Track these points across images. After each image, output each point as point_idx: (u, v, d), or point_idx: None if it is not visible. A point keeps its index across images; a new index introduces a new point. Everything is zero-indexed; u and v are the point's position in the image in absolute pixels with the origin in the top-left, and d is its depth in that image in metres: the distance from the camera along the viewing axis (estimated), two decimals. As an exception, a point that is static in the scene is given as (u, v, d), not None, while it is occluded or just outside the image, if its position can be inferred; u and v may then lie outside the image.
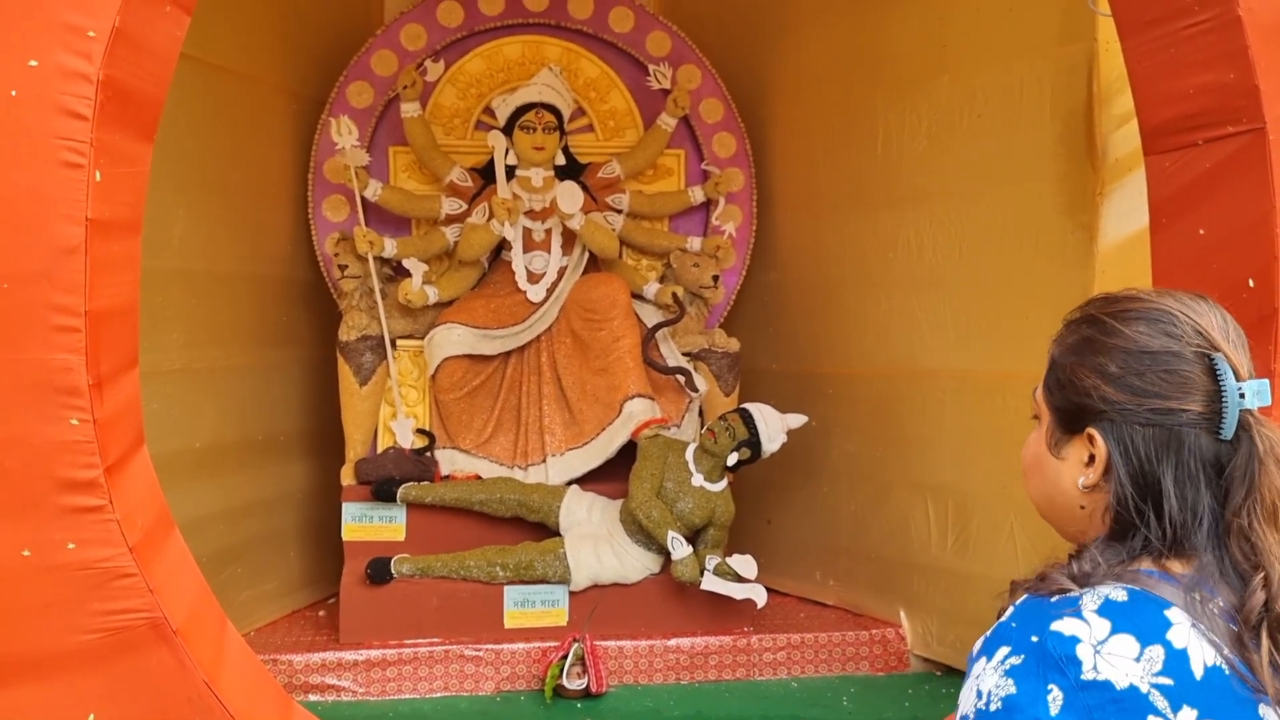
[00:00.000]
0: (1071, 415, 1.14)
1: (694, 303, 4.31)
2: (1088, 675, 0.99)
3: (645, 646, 3.79)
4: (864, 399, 4.14)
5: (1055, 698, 0.99)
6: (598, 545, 3.86)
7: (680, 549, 3.76)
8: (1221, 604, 1.04)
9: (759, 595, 3.81)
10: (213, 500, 3.80)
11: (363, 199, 4.13)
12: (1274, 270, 2.31)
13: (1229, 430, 1.06)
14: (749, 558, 3.89)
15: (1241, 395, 1.06)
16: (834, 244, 4.25)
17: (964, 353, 3.74)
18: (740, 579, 3.83)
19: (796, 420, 3.93)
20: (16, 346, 1.88)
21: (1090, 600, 1.03)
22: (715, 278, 4.27)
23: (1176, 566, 1.07)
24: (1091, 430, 1.11)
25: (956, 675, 3.76)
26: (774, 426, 3.88)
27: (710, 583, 3.79)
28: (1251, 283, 2.32)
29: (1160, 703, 0.98)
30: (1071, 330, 1.17)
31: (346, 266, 4.07)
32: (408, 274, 4.08)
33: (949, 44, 3.78)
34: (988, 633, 1.07)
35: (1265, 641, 1.01)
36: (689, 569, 3.77)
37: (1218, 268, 2.41)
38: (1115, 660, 0.99)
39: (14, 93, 1.82)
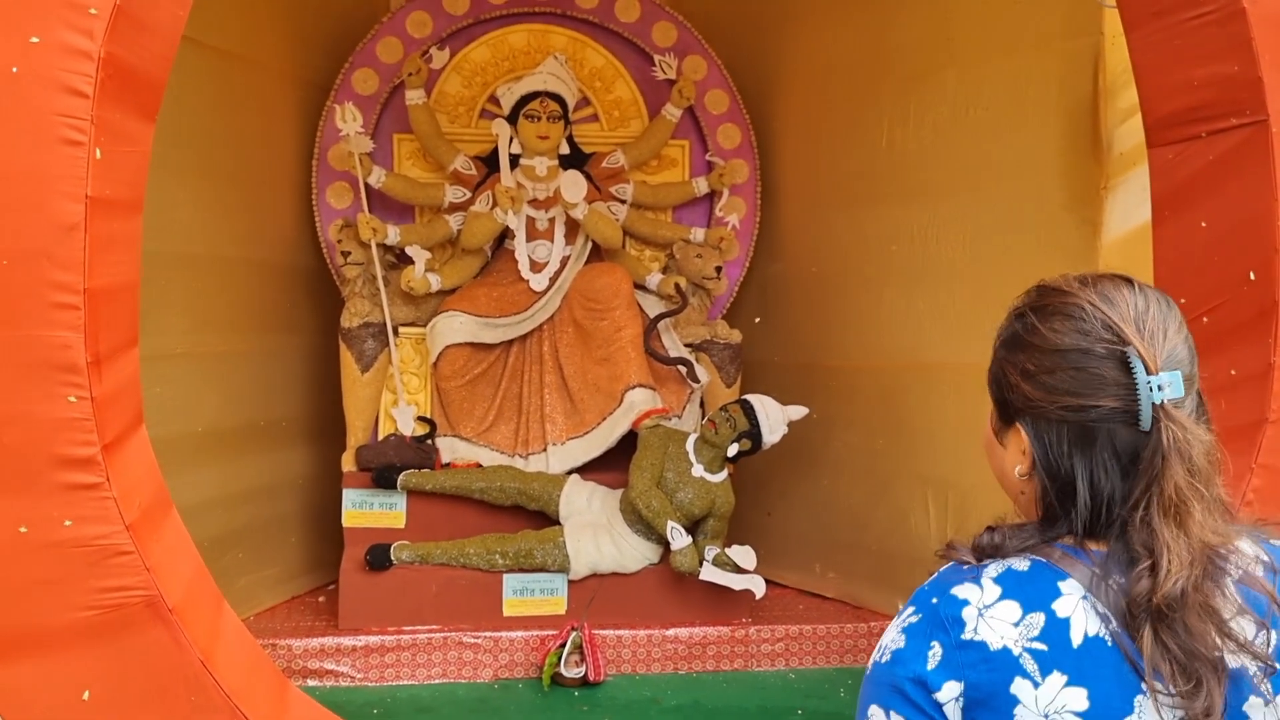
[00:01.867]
0: (1003, 408, 1.18)
1: (696, 294, 4.31)
2: (967, 635, 1.06)
3: (644, 636, 3.80)
4: (866, 391, 4.13)
5: (935, 654, 1.07)
6: (597, 534, 3.86)
7: (679, 539, 3.76)
8: (1121, 584, 1.07)
9: (757, 586, 3.81)
10: (214, 485, 3.81)
11: (366, 186, 4.13)
12: (1275, 264, 2.30)
13: (1145, 423, 1.07)
14: (748, 549, 3.89)
15: (1153, 389, 1.07)
16: (837, 237, 4.25)
17: (967, 346, 3.72)
18: (739, 570, 3.83)
19: (797, 412, 3.92)
20: (16, 323, 1.88)
21: (994, 569, 1.11)
22: (718, 269, 4.27)
23: (1094, 546, 1.11)
24: (1019, 424, 1.15)
25: (954, 669, 3.75)
26: (775, 418, 3.88)
27: (709, 573, 3.79)
28: (1252, 275, 2.32)
29: (1030, 665, 1.04)
30: (1008, 322, 1.19)
31: (350, 253, 4.07)
32: (411, 261, 4.08)
33: (954, 37, 3.77)
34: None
35: (1146, 629, 1.04)
36: (688, 559, 3.77)
37: (1219, 261, 2.40)
38: (995, 623, 1.06)
39: (15, 69, 1.82)
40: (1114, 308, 1.11)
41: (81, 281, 1.88)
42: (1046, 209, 3.46)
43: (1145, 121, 2.60)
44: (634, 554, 3.88)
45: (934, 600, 1.09)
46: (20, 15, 1.84)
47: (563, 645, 3.64)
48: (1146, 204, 2.72)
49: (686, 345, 4.27)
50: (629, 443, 4.00)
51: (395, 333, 4.08)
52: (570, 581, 3.86)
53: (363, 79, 4.28)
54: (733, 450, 3.85)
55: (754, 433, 3.85)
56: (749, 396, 3.94)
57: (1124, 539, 1.08)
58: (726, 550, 3.88)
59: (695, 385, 4.19)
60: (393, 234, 4.11)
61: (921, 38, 3.88)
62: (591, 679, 3.62)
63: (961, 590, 1.09)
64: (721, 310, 4.49)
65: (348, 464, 4.00)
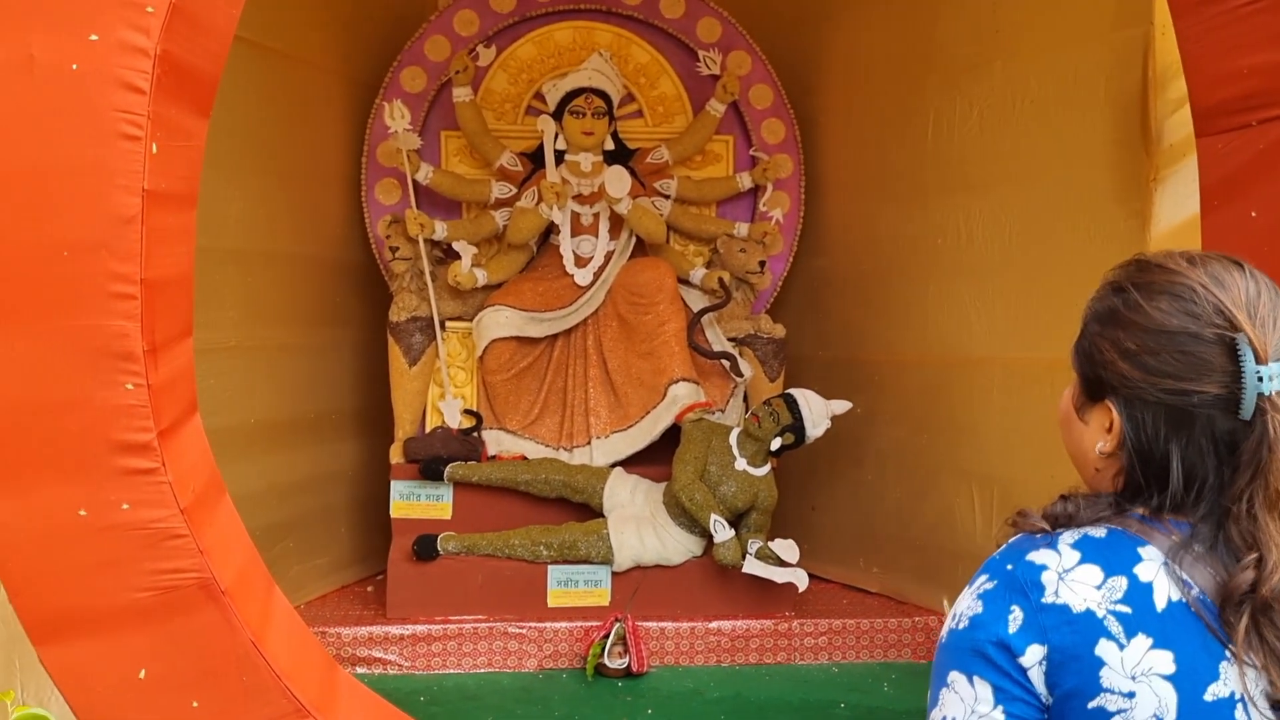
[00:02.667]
0: (1093, 384, 1.15)
1: (740, 288, 4.32)
2: (1048, 599, 1.05)
3: (687, 628, 3.81)
4: (910, 386, 4.12)
5: (1016, 617, 1.06)
6: (640, 527, 3.88)
7: (722, 532, 3.78)
8: (1205, 569, 1.06)
9: (800, 579, 3.82)
10: (266, 476, 3.88)
11: (414, 182, 4.19)
12: (1327, 254, 2.27)
13: (1247, 412, 1.05)
14: (791, 542, 3.89)
15: (1260, 379, 1.05)
16: (882, 231, 4.23)
17: (1012, 340, 3.70)
18: (782, 563, 3.84)
19: (841, 406, 3.92)
20: (76, 313, 1.94)
21: (1070, 535, 1.10)
22: (762, 263, 4.27)
23: (1171, 517, 1.10)
24: (1109, 402, 1.13)
25: (1000, 665, 3.73)
26: (818, 412, 3.88)
27: (752, 566, 3.80)
28: (1303, 266, 2.28)
29: (1115, 628, 1.03)
30: (1103, 295, 1.16)
31: (398, 249, 4.13)
32: (457, 256, 4.13)
33: (1002, 29, 3.74)
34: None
35: (1245, 620, 1.03)
36: (731, 552, 3.78)
37: (1269, 251, 2.36)
38: (1076, 586, 1.05)
39: (75, 66, 1.88)
40: (1225, 291, 1.08)
41: (138, 272, 1.94)
42: (1094, 201, 3.43)
43: (1194, 111, 2.57)
44: (677, 547, 3.90)
45: (1009, 566, 1.08)
46: (80, 14, 1.90)
47: (606, 636, 3.67)
48: (1196, 196, 2.69)
49: (730, 340, 4.28)
50: (672, 436, 4.02)
51: (442, 327, 4.14)
52: (614, 573, 3.89)
53: (411, 77, 4.34)
54: (776, 444, 3.86)
55: (797, 427, 3.86)
56: (792, 390, 3.94)
57: (1217, 523, 1.07)
58: (769, 544, 3.89)
59: (738, 379, 4.19)
60: (440, 229, 4.16)
61: (968, 30, 3.85)
62: (635, 670, 3.64)
63: (1038, 556, 1.08)
64: (765, 305, 4.49)
65: (395, 456, 4.07)
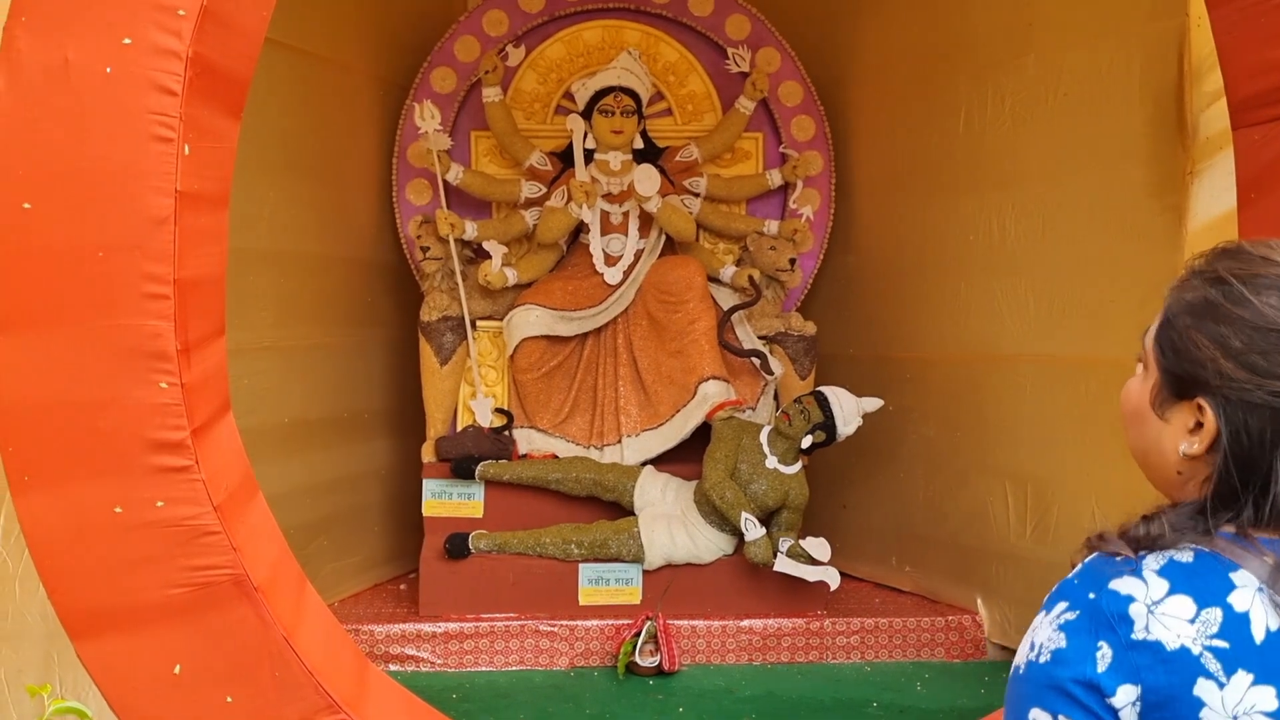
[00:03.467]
0: (1182, 381, 1.06)
1: (770, 286, 4.30)
2: (1138, 635, 0.98)
3: (718, 626, 3.81)
4: (942, 384, 4.09)
5: (1104, 655, 0.98)
6: (671, 525, 3.88)
7: (754, 530, 3.77)
8: None
9: (832, 578, 3.80)
10: (299, 475, 3.92)
11: (445, 182, 4.21)
12: (1367, 246, 2.22)
13: None
14: (822, 540, 3.88)
15: None
16: (913, 227, 4.21)
17: (1046, 337, 3.67)
18: (813, 561, 3.83)
19: (872, 404, 3.90)
20: (110, 312, 1.97)
21: (1154, 560, 1.02)
22: (792, 261, 4.26)
23: (1259, 533, 1.02)
24: (1202, 401, 1.04)
25: (1034, 665, 3.70)
26: (849, 410, 3.86)
27: (783, 564, 3.79)
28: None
29: (1213, 665, 0.97)
30: (1195, 285, 1.07)
31: (428, 249, 4.15)
32: (488, 256, 4.15)
33: (1034, 23, 3.70)
34: (1054, 588, 1.07)
35: None
36: (762, 550, 3.77)
37: (1308, 244, 2.33)
38: (1169, 621, 0.98)
39: (109, 69, 1.91)
40: None
41: (172, 272, 1.97)
42: (1129, 196, 3.39)
43: (1230, 102, 2.54)
44: (708, 545, 3.90)
45: (1090, 595, 1.01)
46: (113, 18, 1.93)
47: (638, 634, 3.67)
48: (1233, 189, 2.65)
49: (761, 337, 4.27)
50: (703, 435, 4.02)
51: (473, 326, 4.16)
52: (645, 572, 3.89)
53: (441, 78, 4.36)
54: (807, 442, 3.84)
55: (828, 424, 3.84)
56: (823, 388, 3.92)
57: None
58: (801, 542, 3.87)
59: (769, 377, 4.18)
60: (470, 229, 4.18)
61: (999, 24, 3.82)
62: (666, 668, 3.64)
63: (1122, 584, 1.00)
64: (796, 302, 4.48)
65: (427, 455, 4.09)
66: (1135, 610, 0.99)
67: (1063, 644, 1.00)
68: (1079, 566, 1.06)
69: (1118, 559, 1.03)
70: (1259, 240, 1.08)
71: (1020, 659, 1.04)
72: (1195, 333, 1.05)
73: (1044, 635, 1.02)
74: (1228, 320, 1.03)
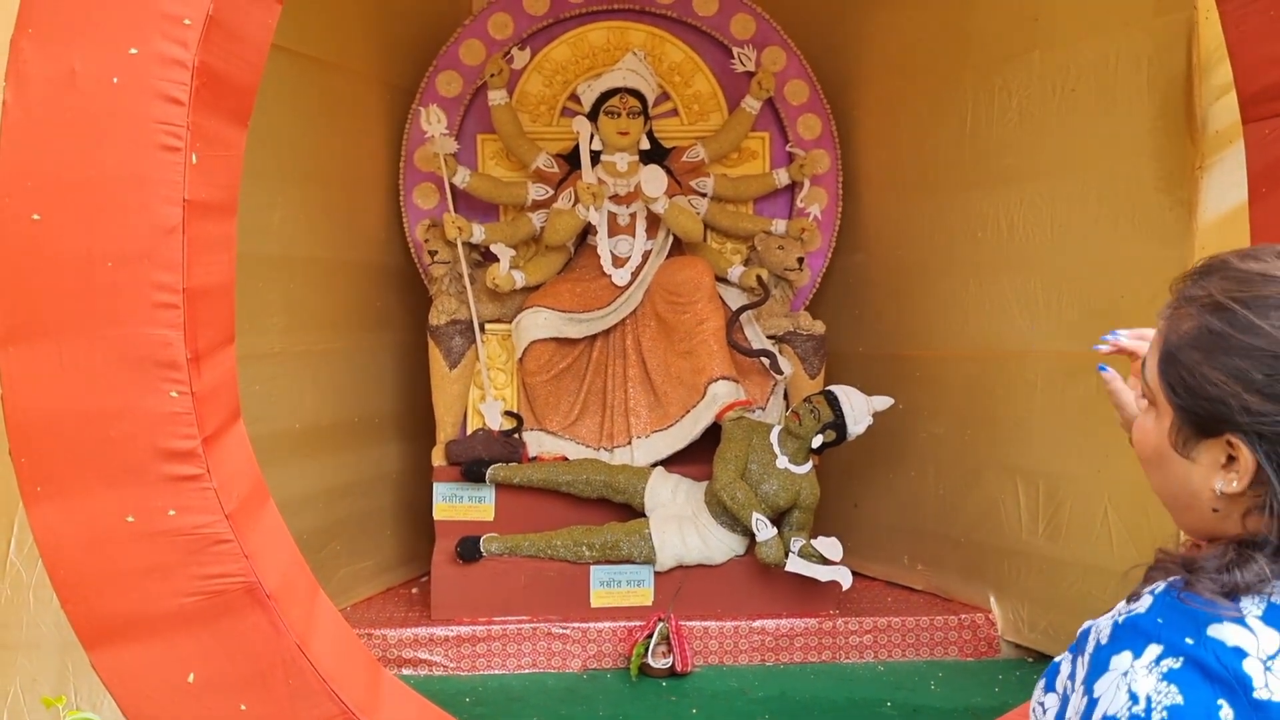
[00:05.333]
0: (1204, 420, 0.98)
1: (779, 285, 4.30)
2: (1260, 694, 0.90)
3: (730, 627, 3.80)
4: (952, 381, 4.07)
5: (1226, 715, 0.90)
6: (682, 526, 3.88)
7: (765, 530, 3.76)
8: None
9: (844, 577, 3.79)
10: (311, 480, 3.92)
11: (452, 186, 4.21)
12: (1380, 239, 2.21)
13: None
14: (834, 540, 3.87)
15: None
16: (921, 225, 4.19)
17: (1055, 334, 3.65)
18: (825, 561, 3.82)
19: (882, 402, 3.89)
20: (120, 322, 1.97)
21: (1254, 606, 0.93)
22: (800, 260, 4.25)
23: None
24: (1232, 438, 0.97)
25: (1049, 662, 3.68)
26: (859, 409, 3.85)
27: (795, 564, 3.78)
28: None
29: None
30: (1191, 314, 1.00)
31: (436, 252, 4.16)
32: (496, 259, 4.15)
33: (1040, 18, 3.69)
34: (1117, 617, 0.98)
35: None
36: (774, 550, 3.77)
37: (1320, 238, 2.32)
38: None
39: (116, 80, 1.92)
40: None
41: (181, 281, 1.97)
42: (1138, 191, 3.37)
43: (1239, 96, 2.52)
44: (719, 546, 3.89)
45: (1188, 641, 0.92)
46: (119, 28, 1.93)
47: (650, 636, 3.67)
48: (1244, 183, 2.64)
49: (769, 337, 4.26)
50: (713, 435, 4.01)
51: (482, 329, 4.16)
52: (656, 573, 3.89)
53: (446, 81, 4.36)
54: (817, 441, 3.84)
55: (838, 424, 3.83)
56: (833, 387, 3.91)
57: None
58: (812, 542, 3.87)
59: (778, 377, 4.18)
60: (478, 233, 4.18)
61: (1005, 19, 3.80)
62: (679, 670, 3.64)
63: (1229, 634, 0.92)
64: (804, 301, 4.47)
65: (438, 458, 4.09)
66: (1250, 667, 0.91)
67: (1179, 700, 0.90)
68: (1149, 598, 0.98)
69: (1205, 598, 0.94)
70: (1243, 252, 1.00)
71: (1117, 709, 0.93)
72: (1207, 369, 0.97)
73: (1147, 685, 0.92)
74: (1241, 352, 0.95)
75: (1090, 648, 1.01)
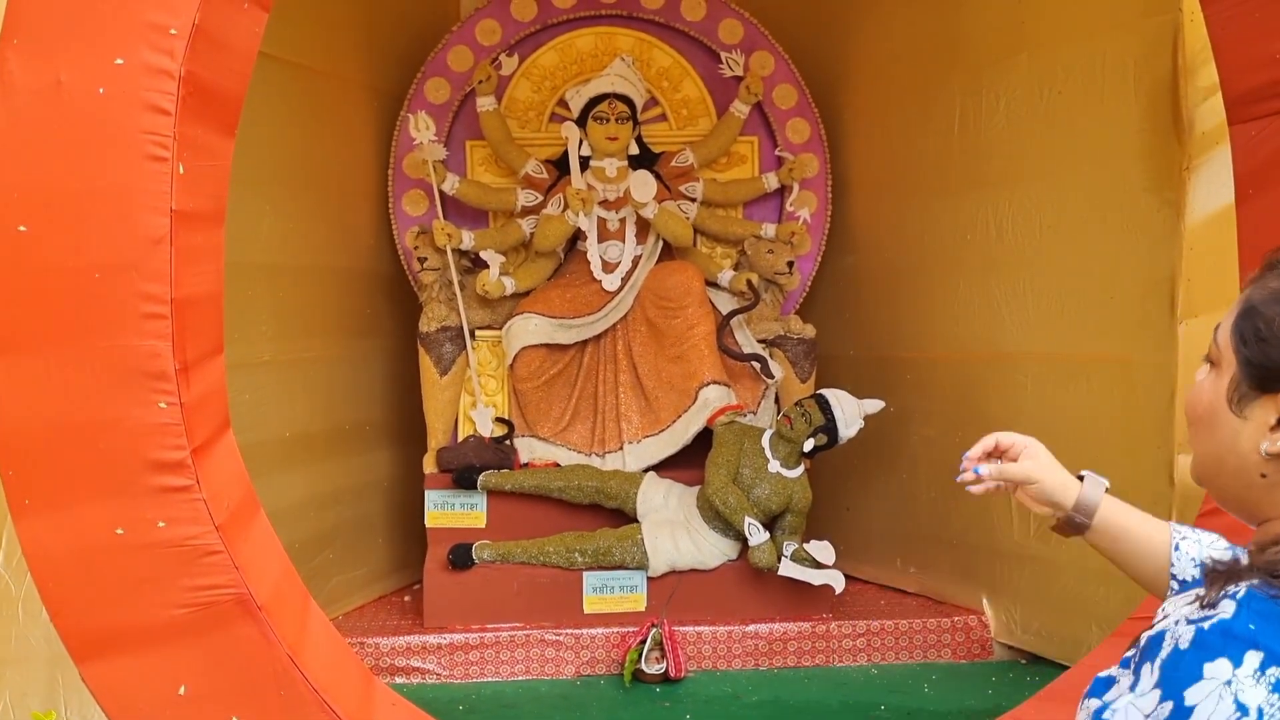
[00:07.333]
0: (1269, 373, 1.01)
1: (769, 289, 4.30)
2: None
3: (724, 632, 3.80)
4: (943, 383, 4.08)
5: None
6: (675, 531, 3.88)
7: (757, 535, 3.76)
8: None
9: (837, 581, 3.79)
10: (302, 489, 3.91)
11: (441, 193, 4.20)
12: (1366, 239, 2.22)
13: None
14: (827, 544, 3.87)
15: None
16: (911, 228, 4.20)
17: (1046, 335, 3.66)
18: (818, 565, 3.82)
19: (874, 405, 3.89)
20: (108, 333, 1.96)
21: None
22: (790, 264, 4.25)
23: None
24: None
25: (1042, 663, 3.70)
26: (851, 412, 3.85)
27: (788, 568, 3.78)
28: (1342, 253, 2.23)
29: None
30: (1278, 273, 1.03)
31: (426, 259, 4.15)
32: (485, 266, 4.15)
33: (1027, 21, 3.70)
34: (1201, 624, 0.95)
35: None
36: (766, 555, 3.76)
37: (1307, 239, 2.33)
38: None
39: (102, 90, 1.91)
40: None
41: (169, 292, 1.97)
42: (1126, 192, 3.38)
43: (1225, 98, 2.54)
44: (712, 550, 3.89)
45: None
46: (105, 38, 1.93)
47: (643, 642, 3.66)
48: (1230, 184, 2.65)
49: (760, 341, 4.26)
50: (705, 440, 4.01)
51: (472, 336, 4.15)
52: (649, 578, 3.88)
53: (435, 88, 4.36)
54: (809, 445, 3.84)
55: (830, 427, 3.83)
56: (824, 391, 3.92)
57: None
58: (805, 546, 3.87)
59: (770, 381, 4.18)
60: (467, 239, 4.17)
61: (992, 22, 3.81)
62: (672, 675, 3.64)
63: None
64: (795, 305, 4.47)
65: (429, 466, 4.08)
66: None
67: None
68: (1231, 604, 0.96)
69: None
70: None
71: (1219, 718, 0.91)
72: None
73: (1258, 697, 0.90)
74: None
75: (1164, 654, 0.97)
